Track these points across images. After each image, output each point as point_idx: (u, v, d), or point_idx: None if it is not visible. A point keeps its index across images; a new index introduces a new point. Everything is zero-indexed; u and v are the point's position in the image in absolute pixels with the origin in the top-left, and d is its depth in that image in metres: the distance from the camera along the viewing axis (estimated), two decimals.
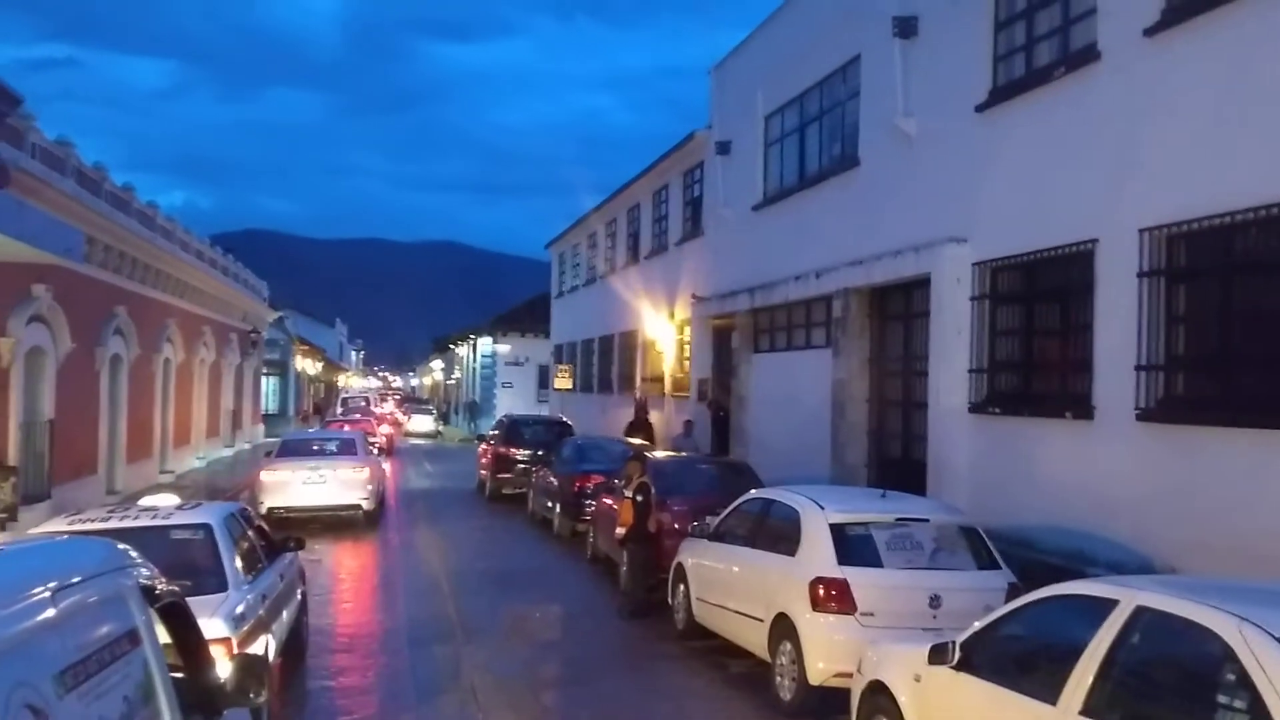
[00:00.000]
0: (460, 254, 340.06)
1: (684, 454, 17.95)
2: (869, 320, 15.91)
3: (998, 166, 12.47)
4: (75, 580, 3.22)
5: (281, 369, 53.20)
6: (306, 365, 61.34)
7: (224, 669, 6.44)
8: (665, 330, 26.32)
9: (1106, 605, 5.15)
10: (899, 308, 15.32)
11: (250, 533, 9.18)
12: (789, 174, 18.99)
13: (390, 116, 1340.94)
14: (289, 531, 12.24)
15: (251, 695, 4.44)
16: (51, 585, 3.03)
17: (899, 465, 14.81)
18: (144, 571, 3.94)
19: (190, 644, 4.34)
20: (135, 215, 22.23)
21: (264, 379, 47.08)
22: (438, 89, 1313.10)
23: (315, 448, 20.37)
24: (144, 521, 8.34)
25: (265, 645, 7.94)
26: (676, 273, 25.67)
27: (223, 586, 7.70)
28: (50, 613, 2.94)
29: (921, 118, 14.16)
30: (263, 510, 17.76)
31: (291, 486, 18.76)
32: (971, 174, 12.95)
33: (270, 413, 48.51)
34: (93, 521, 8.42)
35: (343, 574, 15.10)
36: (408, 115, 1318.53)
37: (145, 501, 9.48)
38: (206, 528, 8.22)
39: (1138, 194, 10.12)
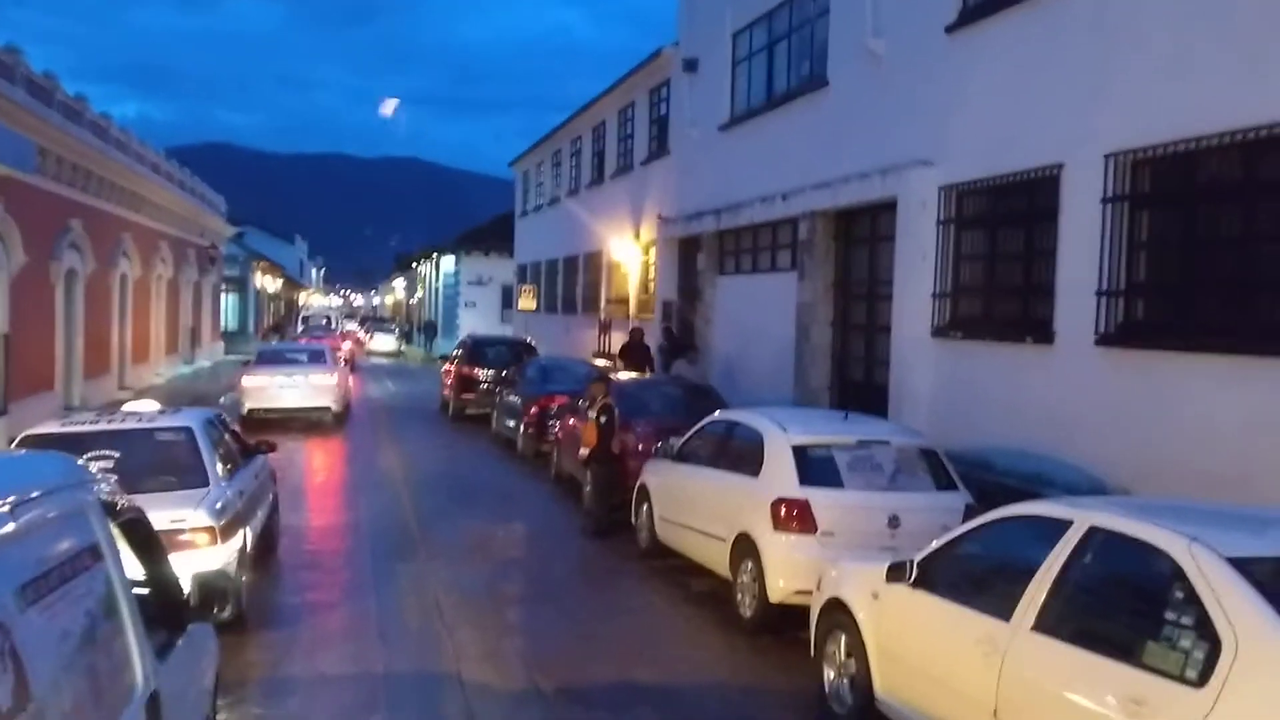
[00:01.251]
0: (424, 170, 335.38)
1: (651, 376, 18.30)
2: (834, 243, 15.90)
3: (966, 89, 12.39)
4: (34, 495, 3.19)
5: (241, 286, 52.59)
6: (266, 282, 60.62)
7: (209, 560, 7.30)
8: (631, 251, 26.20)
9: (1060, 525, 5.26)
10: (865, 231, 15.31)
11: (226, 436, 9.78)
12: (757, 94, 18.78)
13: (352, 28, 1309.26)
14: (267, 432, 13.47)
15: (215, 610, 4.46)
16: (10, 500, 3.00)
17: (862, 389, 14.94)
18: (104, 487, 3.91)
19: (153, 560, 4.33)
20: (88, 126, 21.67)
21: (223, 296, 46.51)
22: (400, 0, 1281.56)
23: (289, 357, 22.57)
24: (131, 424, 8.99)
25: (243, 537, 8.63)
26: (642, 193, 25.47)
27: (204, 483, 8.36)
28: (9, 527, 2.92)
29: (891, 38, 14.00)
30: (244, 412, 19.80)
31: (269, 390, 21.06)
32: (940, 96, 12.87)
33: (230, 330, 48.05)
34: (83, 424, 9.15)
35: (310, 489, 15.10)
36: (370, 27, 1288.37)
37: (128, 407, 10.22)
38: (188, 430, 8.89)
39: (1104, 119, 10.11)
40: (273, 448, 11.09)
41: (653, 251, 24.46)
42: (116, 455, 8.27)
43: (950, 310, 12.69)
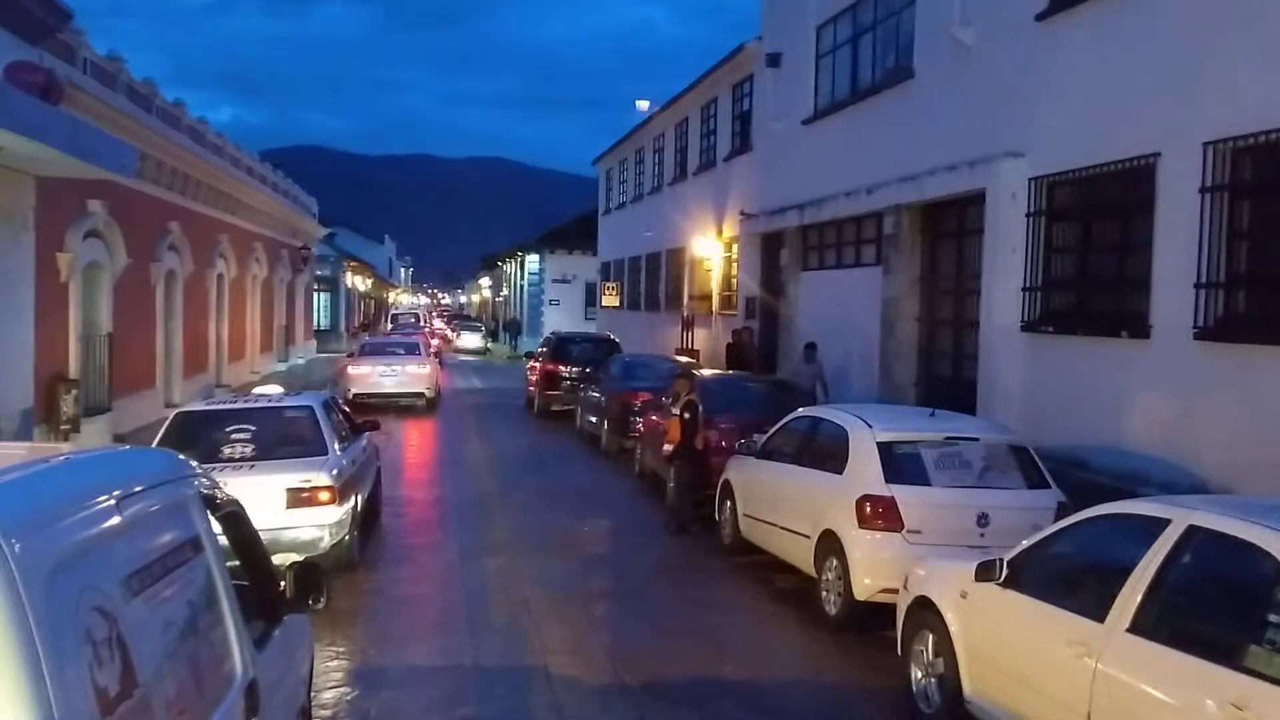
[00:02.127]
0: (509, 170, 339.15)
1: (799, 380, 16.62)
2: (920, 237, 15.68)
3: (1057, 78, 12.12)
4: (139, 489, 3.28)
5: (332, 285, 53.75)
6: (356, 282, 61.88)
7: (330, 515, 9.05)
8: (713, 248, 26.15)
9: (1158, 524, 5.12)
10: (952, 224, 15.07)
11: (339, 416, 11.40)
12: (841, 87, 18.60)
13: (437, 31, 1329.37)
14: (368, 414, 15.10)
15: (310, 601, 4.59)
16: (116, 494, 3.09)
17: (948, 384, 14.70)
18: (204, 481, 4.01)
19: (251, 553, 4.44)
20: (186, 131, 22.34)
21: (315, 295, 47.58)
22: (484, 2, 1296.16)
23: (389, 349, 25.87)
24: (263, 404, 10.83)
25: (355, 499, 10.31)
26: (725, 189, 25.40)
27: (324, 452, 9.90)
28: (116, 520, 3.00)
29: (979, 27, 13.75)
30: (349, 396, 22.22)
31: (371, 378, 24.11)
32: (1030, 85, 12.60)
33: (322, 328, 49.13)
34: (223, 403, 11.41)
35: (404, 479, 15.41)
36: (455, 29, 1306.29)
37: (258, 390, 12.74)
38: (309, 408, 10.57)
39: (1202, 106, 9.80)
40: (376, 426, 12.67)
41: (735, 248, 24.39)
42: (253, 429, 10.00)
43: (1041, 304, 12.42)
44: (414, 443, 19.94)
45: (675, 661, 7.98)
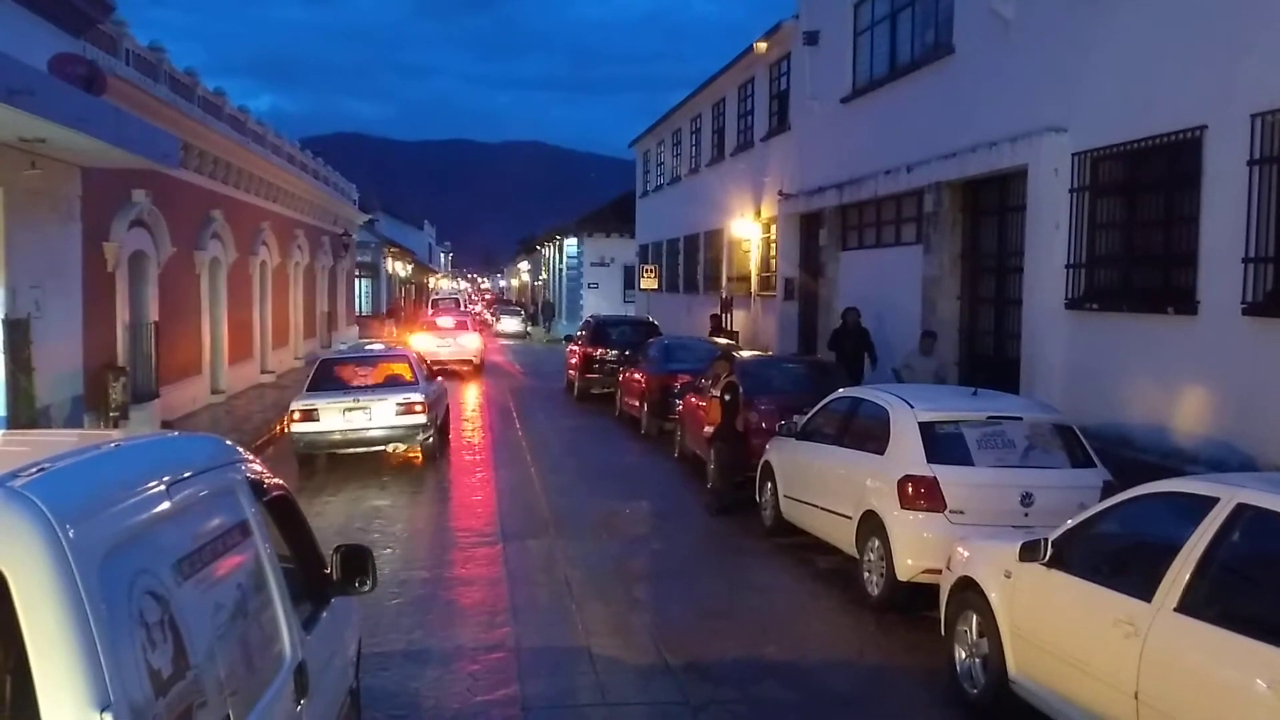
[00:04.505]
0: (546, 153, 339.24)
1: (914, 373, 14.08)
2: (961, 215, 15.53)
3: (1100, 50, 11.92)
4: (188, 474, 3.36)
5: (373, 271, 54.10)
6: (397, 267, 62.27)
7: (424, 419, 15.13)
8: (751, 228, 26.05)
9: (1206, 503, 5.06)
10: (993, 201, 14.91)
11: (425, 364, 17.06)
12: (879, 64, 18.42)
13: (471, 16, 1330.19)
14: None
15: (357, 584, 4.62)
16: (166, 479, 3.18)
17: (991, 364, 14.58)
18: (253, 467, 4.09)
19: (299, 537, 4.51)
20: (227, 120, 22.54)
21: (356, 281, 47.94)
22: None
23: (444, 326, 32.59)
24: (375, 351, 17.28)
25: (435, 415, 15.76)
26: (763, 169, 25.27)
27: (417, 384, 15.43)
28: (166, 505, 3.08)
29: (1020, 1, 13.55)
30: None
31: (430, 348, 27.15)
32: (1072, 59, 12.41)
33: (364, 314, 49.50)
34: (351, 353, 17.61)
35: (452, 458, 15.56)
36: (488, 13, 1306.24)
37: (366, 344, 20.16)
38: (406, 357, 16.54)
39: (1250, 77, 9.61)
40: (440, 370, 19.12)
41: (774, 228, 24.27)
42: (372, 368, 15.91)
43: (1085, 281, 12.27)
44: (459, 400, 20.09)
45: (717, 642, 8.00)
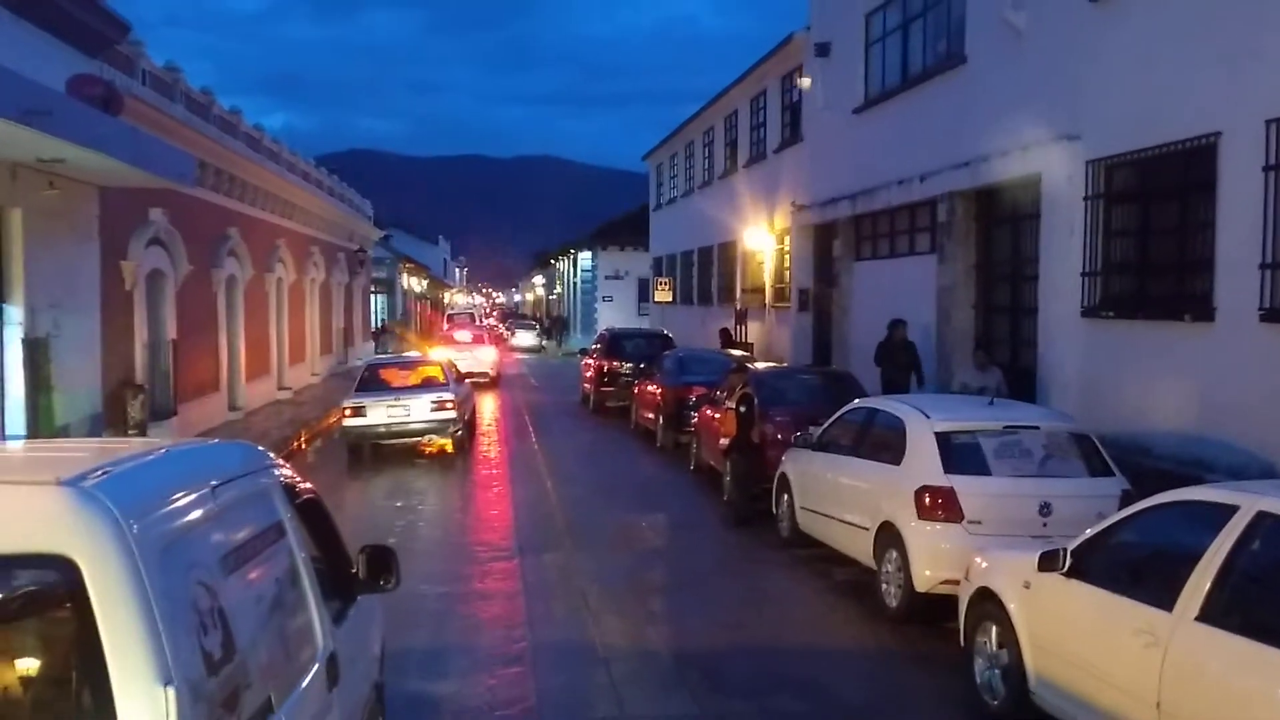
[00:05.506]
0: (559, 168, 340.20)
1: (972, 392, 12.31)
2: (975, 224, 15.49)
3: (1112, 58, 11.89)
4: (230, 478, 3.65)
5: (389, 287, 54.30)
6: (412, 283, 62.50)
7: (453, 415, 17.61)
8: (765, 240, 26.05)
9: (1226, 511, 5.03)
10: (1007, 210, 14.87)
11: (455, 369, 19.71)
12: (891, 74, 18.42)
13: (482, 32, 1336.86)
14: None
15: (382, 583, 4.83)
16: (212, 482, 3.46)
17: (1007, 372, 14.48)
18: (285, 472, 4.38)
19: (327, 537, 4.72)
20: (243, 138, 22.70)
21: (372, 297, 48.11)
22: (525, 1, 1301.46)
23: (463, 341, 33.45)
24: (414, 359, 20.78)
25: (464, 413, 18.28)
26: (776, 181, 25.28)
27: (448, 385, 17.97)
28: (213, 505, 3.36)
29: (1032, 9, 13.53)
30: None
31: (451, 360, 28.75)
32: (1084, 67, 12.38)
33: (386, 325, 49.60)
34: (392, 359, 22.00)
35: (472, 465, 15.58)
36: (499, 30, 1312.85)
37: (405, 354, 24.77)
38: (440, 363, 19.55)
39: (1264, 82, 9.56)
40: (466, 376, 21.25)
41: (787, 239, 24.27)
42: (410, 371, 18.84)
43: (1100, 289, 12.21)
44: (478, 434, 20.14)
45: (734, 654, 7.98)
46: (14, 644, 2.77)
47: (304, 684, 3.71)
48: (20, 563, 2.71)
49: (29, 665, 2.76)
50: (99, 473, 2.97)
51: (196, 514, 3.23)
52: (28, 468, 3.63)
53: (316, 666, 3.90)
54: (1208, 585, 4.87)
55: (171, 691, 2.62)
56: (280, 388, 25.97)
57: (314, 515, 4.57)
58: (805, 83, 22.43)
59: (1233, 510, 4.99)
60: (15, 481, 2.99)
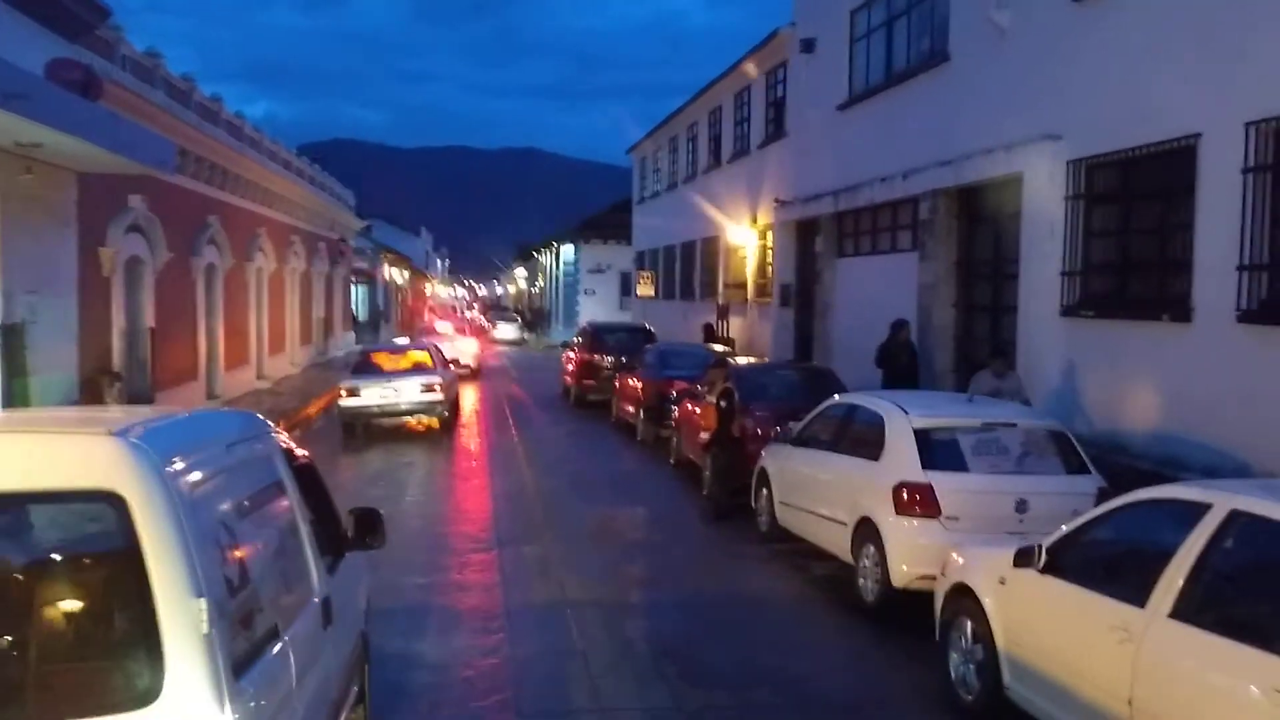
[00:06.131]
0: (543, 160, 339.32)
1: (987, 397, 10.61)
2: (957, 222, 15.56)
3: (1095, 59, 11.96)
4: (240, 440, 4.32)
5: (369, 277, 54.05)
6: (394, 274, 62.25)
7: (440, 395, 19.27)
8: (748, 235, 26.08)
9: (1199, 509, 5.07)
10: (989, 209, 14.94)
11: (441, 355, 20.93)
12: (875, 71, 18.46)
13: (469, 23, 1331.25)
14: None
15: (368, 541, 5.44)
16: (227, 440, 4.16)
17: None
18: (284, 439, 5.01)
19: (320, 499, 5.25)
20: (224, 126, 22.56)
21: (353, 287, 47.90)
22: None
23: (445, 333, 34.10)
24: (405, 346, 23.06)
25: (449, 394, 19.74)
26: (759, 176, 25.31)
27: (436, 370, 19.66)
28: (228, 459, 4.02)
29: (1016, 9, 13.59)
30: None
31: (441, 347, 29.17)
32: (1067, 67, 12.45)
33: (360, 320, 49.40)
34: (385, 345, 27.18)
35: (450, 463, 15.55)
36: (486, 21, 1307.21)
37: (397, 340, 31.09)
38: (429, 348, 20.98)
39: (1244, 85, 9.64)
40: (457, 363, 24.48)
41: (770, 235, 24.30)
42: (400, 356, 20.57)
43: (1080, 288, 12.29)
44: (458, 428, 20.11)
45: (712, 648, 7.99)
46: (74, 563, 3.41)
47: (303, 618, 4.27)
48: (80, 496, 3.32)
49: (87, 578, 3.38)
50: (138, 427, 3.56)
51: (216, 465, 3.84)
52: (79, 423, 4.22)
53: (314, 604, 4.49)
54: (1180, 582, 4.91)
55: (204, 602, 3.18)
56: (259, 377, 25.84)
57: (309, 478, 5.11)
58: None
59: (1206, 508, 5.03)
60: (73, 431, 3.68)
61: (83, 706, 3.12)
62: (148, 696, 3.13)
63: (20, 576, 3.34)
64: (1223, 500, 5.00)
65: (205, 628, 3.17)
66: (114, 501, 3.23)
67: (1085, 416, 11.74)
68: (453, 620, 8.75)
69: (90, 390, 14.26)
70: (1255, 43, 9.58)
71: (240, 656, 3.42)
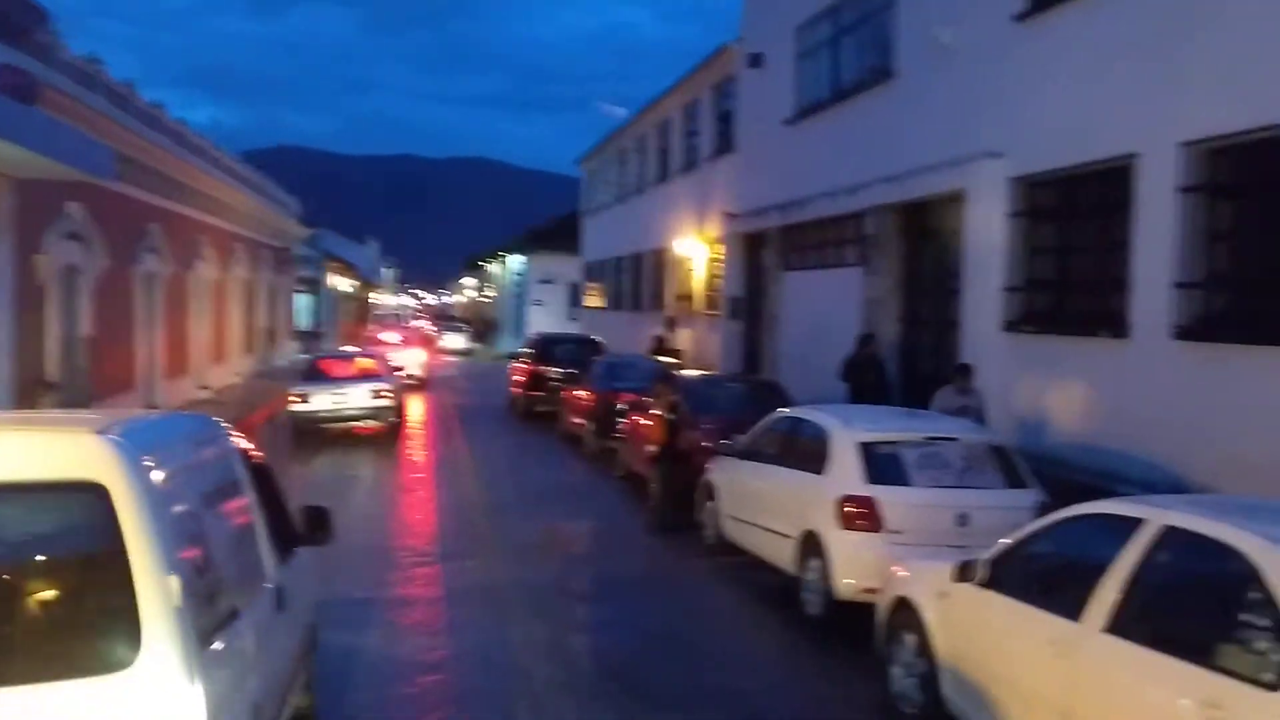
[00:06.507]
0: (493, 170, 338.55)
1: (952, 411, 11.07)
2: (902, 237, 15.74)
3: (1036, 78, 12.17)
4: (203, 439, 4.87)
5: (314, 286, 53.42)
6: (339, 283, 61.60)
7: (390, 400, 20.07)
8: (697, 247, 26.17)
9: (1133, 524, 5.15)
10: (933, 224, 15.13)
11: (388, 362, 21.97)
12: (822, 87, 18.64)
13: (418, 31, 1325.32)
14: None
15: (318, 537, 5.96)
16: (191, 440, 4.70)
17: (931, 384, 14.70)
18: (242, 441, 5.48)
19: (274, 497, 5.67)
20: (166, 132, 22.19)
21: (298, 296, 47.31)
22: (465, 1, 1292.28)
23: (391, 343, 33.68)
24: (355, 353, 23.20)
25: (397, 399, 20.32)
26: (708, 189, 25.43)
27: (387, 376, 20.49)
28: (194, 456, 4.52)
29: (959, 28, 13.81)
30: None
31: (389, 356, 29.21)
32: (1009, 86, 12.66)
33: (305, 329, 48.78)
34: (334, 353, 24.97)
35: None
36: (436, 29, 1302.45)
37: (343, 348, 28.55)
38: (375, 354, 22.54)
39: (1180, 107, 9.87)
40: (401, 368, 24.41)
41: (719, 248, 24.41)
42: (350, 363, 21.08)
43: (1022, 304, 12.48)
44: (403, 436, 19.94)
45: (657, 664, 7.97)
46: (62, 544, 3.88)
47: (259, 602, 4.75)
48: (67, 487, 3.76)
49: (72, 559, 3.87)
50: (119, 426, 4.05)
51: (185, 461, 4.34)
52: (66, 422, 4.67)
53: (268, 590, 4.97)
54: (1115, 597, 4.99)
55: (176, 579, 3.63)
56: (201, 387, 25.39)
57: (263, 477, 5.56)
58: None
59: (1140, 524, 5.11)
60: (61, 430, 4.22)
61: (70, 668, 3.55)
62: (127, 660, 3.56)
63: (12, 557, 3.79)
64: (1156, 515, 5.09)
65: (177, 602, 3.60)
66: (98, 491, 3.67)
67: (1027, 430, 11.91)
68: (395, 636, 8.64)
69: (25, 399, 13.93)
70: (1189, 65, 9.81)
71: (206, 629, 3.86)
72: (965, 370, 12.25)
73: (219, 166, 27.87)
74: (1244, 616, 4.36)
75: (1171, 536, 4.93)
